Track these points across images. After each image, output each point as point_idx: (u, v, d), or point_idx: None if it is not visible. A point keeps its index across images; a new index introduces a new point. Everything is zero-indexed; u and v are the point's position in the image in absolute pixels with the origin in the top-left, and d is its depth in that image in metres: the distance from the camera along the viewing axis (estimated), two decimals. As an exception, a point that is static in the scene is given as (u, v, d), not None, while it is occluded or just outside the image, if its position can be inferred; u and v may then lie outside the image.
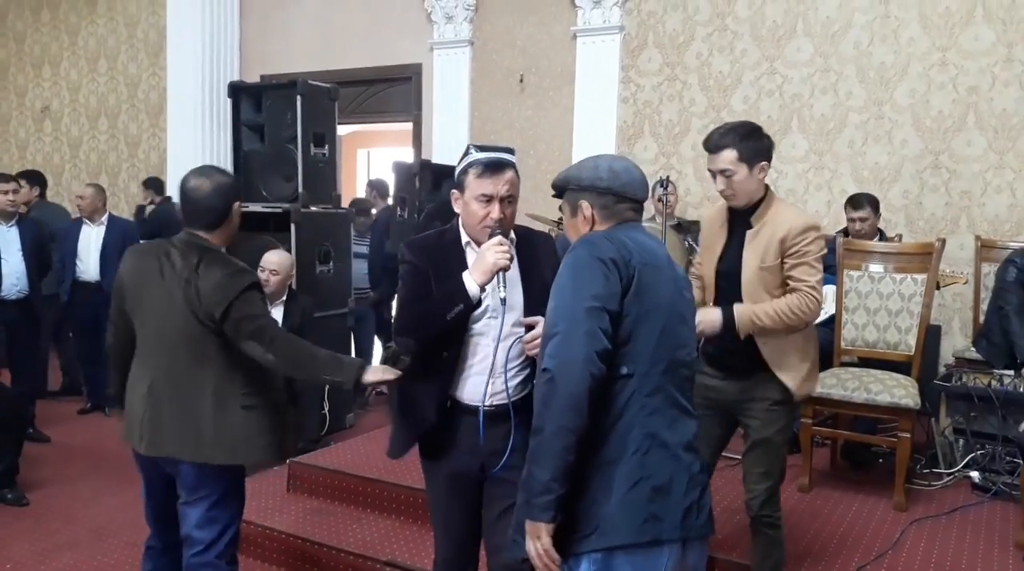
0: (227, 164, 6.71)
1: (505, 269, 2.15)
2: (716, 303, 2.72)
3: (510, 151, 2.29)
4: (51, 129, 8.68)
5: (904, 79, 5.17)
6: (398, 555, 3.31)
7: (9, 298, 4.86)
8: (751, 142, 2.57)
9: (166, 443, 2.41)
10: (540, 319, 2.21)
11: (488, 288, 2.22)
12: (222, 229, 2.50)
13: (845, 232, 4.50)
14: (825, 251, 2.63)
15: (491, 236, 2.18)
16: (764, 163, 2.58)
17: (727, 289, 2.67)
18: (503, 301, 2.14)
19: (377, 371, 2.41)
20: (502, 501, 2.34)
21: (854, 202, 4.42)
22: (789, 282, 2.57)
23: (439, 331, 2.22)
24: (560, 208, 2.03)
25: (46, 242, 5.18)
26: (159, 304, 2.42)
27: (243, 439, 2.43)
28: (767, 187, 2.64)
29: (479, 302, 2.18)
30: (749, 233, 2.61)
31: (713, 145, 2.58)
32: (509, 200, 2.21)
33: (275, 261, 4.39)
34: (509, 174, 2.21)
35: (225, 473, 2.45)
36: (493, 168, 2.19)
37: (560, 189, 2.00)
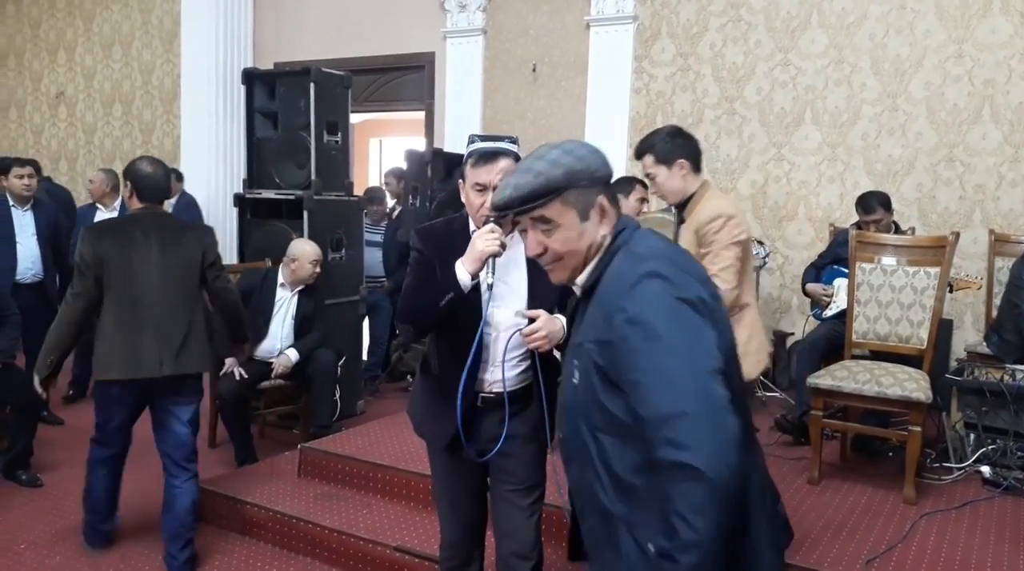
0: (240, 151, 6.75)
1: (495, 255, 2.15)
2: None
3: (513, 141, 2.29)
4: (66, 115, 8.72)
5: (919, 71, 5.13)
6: (407, 540, 3.33)
7: (24, 282, 4.90)
8: (664, 143, 2.78)
9: (186, 363, 3.20)
10: (542, 312, 2.22)
11: (490, 278, 2.23)
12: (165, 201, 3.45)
13: (858, 225, 4.48)
14: (742, 237, 2.70)
15: (485, 224, 2.20)
16: (683, 161, 2.76)
17: None
18: (490, 287, 2.16)
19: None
20: (505, 486, 2.37)
21: (865, 206, 4.35)
22: None
23: (433, 318, 2.25)
24: (542, 218, 1.57)
25: (61, 227, 5.22)
26: (155, 264, 3.18)
27: (210, 352, 3.37)
28: (704, 183, 2.81)
29: (476, 289, 2.19)
30: (683, 227, 2.82)
31: (635, 153, 2.83)
32: None
33: (315, 251, 4.45)
34: (503, 163, 2.20)
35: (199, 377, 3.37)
36: (487, 157, 2.21)
37: (554, 190, 1.55)
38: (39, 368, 3.30)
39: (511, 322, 2.26)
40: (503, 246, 2.17)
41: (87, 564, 3.39)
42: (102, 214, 5.57)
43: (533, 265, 2.31)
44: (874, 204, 4.34)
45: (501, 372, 2.25)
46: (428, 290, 2.26)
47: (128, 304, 3.14)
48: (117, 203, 5.62)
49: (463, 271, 2.18)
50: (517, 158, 2.24)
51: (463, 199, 2.31)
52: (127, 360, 3.13)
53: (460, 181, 2.31)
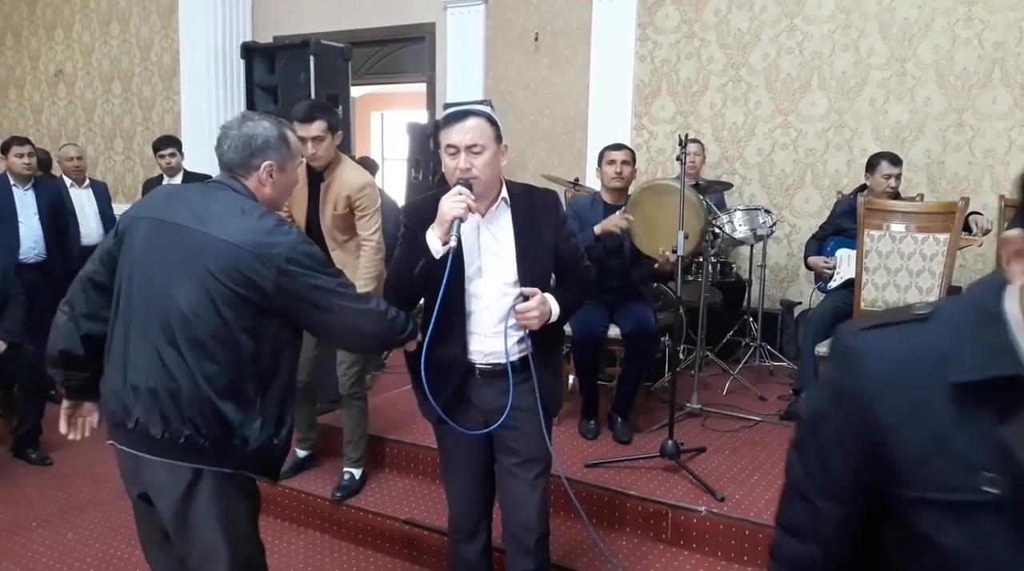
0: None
1: (459, 218, 2.10)
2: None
3: (488, 104, 2.28)
4: (65, 93, 8.66)
5: (928, 35, 5.05)
6: (416, 513, 3.35)
7: (27, 261, 4.89)
8: (333, 116, 3.35)
9: None
10: (537, 291, 2.22)
11: (476, 248, 2.23)
12: None
13: (862, 187, 4.45)
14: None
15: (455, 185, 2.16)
16: (340, 132, 3.37)
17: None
18: (452, 250, 2.10)
19: None
20: (509, 459, 2.36)
21: (892, 159, 4.27)
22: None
23: (410, 287, 2.23)
24: None
25: (62, 205, 5.20)
26: None
27: None
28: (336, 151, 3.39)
29: (449, 255, 2.10)
30: (322, 186, 3.33)
31: (306, 116, 3.21)
32: (474, 149, 2.15)
33: None
34: (471, 122, 2.16)
35: None
36: (455, 118, 2.18)
37: None
38: None
39: (499, 293, 2.24)
40: (470, 209, 2.12)
41: (99, 540, 3.41)
42: (75, 190, 5.54)
43: (521, 235, 2.27)
44: (899, 158, 4.28)
45: (504, 343, 2.23)
46: (404, 259, 2.25)
47: None
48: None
49: (432, 236, 2.15)
50: (489, 118, 2.20)
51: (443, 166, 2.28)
52: None
53: (440, 153, 2.28)
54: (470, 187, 2.15)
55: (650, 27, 5.84)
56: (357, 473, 3.60)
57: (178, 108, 7.70)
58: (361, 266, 3.39)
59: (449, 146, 2.18)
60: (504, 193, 2.28)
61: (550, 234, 2.31)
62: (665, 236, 3.61)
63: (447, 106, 2.30)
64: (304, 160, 3.27)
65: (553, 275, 2.39)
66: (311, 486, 3.62)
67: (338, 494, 3.50)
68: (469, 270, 2.25)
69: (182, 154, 5.73)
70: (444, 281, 2.10)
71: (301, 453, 3.80)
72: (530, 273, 2.26)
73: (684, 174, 3.71)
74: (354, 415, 3.59)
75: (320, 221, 3.36)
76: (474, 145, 2.15)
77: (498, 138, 2.22)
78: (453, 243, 2.10)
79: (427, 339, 2.15)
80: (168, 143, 5.70)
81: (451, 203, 2.10)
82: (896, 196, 4.26)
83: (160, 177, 5.80)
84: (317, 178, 3.37)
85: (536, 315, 2.20)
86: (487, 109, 2.23)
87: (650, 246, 3.71)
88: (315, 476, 3.71)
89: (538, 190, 2.41)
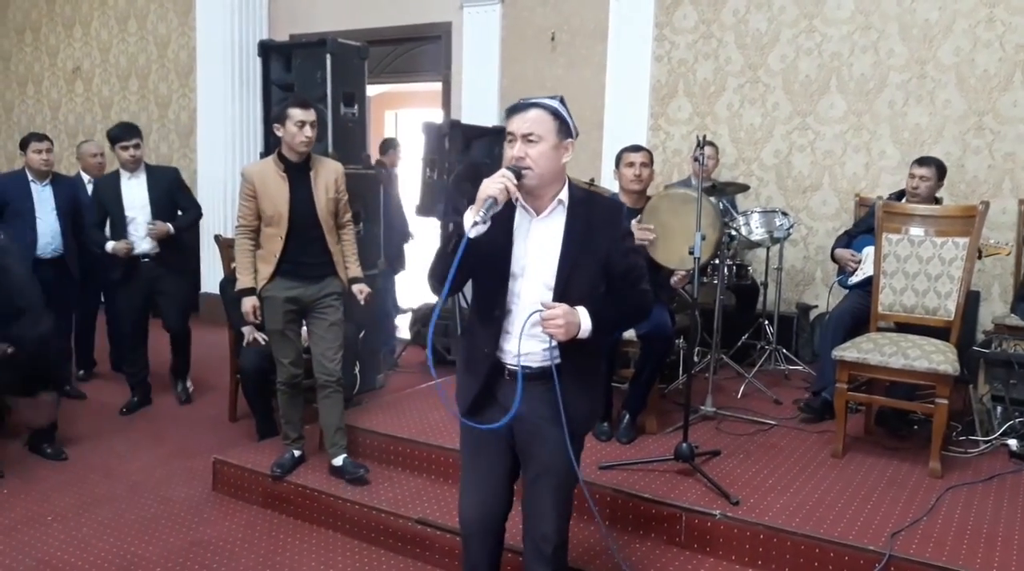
0: (257, 123, 6.70)
1: (493, 198, 2.06)
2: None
3: (559, 100, 2.23)
4: (83, 89, 8.71)
5: (949, 37, 5.00)
6: (429, 513, 3.34)
7: (44, 257, 4.91)
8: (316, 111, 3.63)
9: None
10: (562, 305, 2.14)
11: (524, 247, 2.20)
12: None
13: (900, 194, 4.39)
14: None
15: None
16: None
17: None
18: (472, 227, 2.06)
19: None
20: (533, 469, 2.32)
21: (922, 159, 4.25)
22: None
23: (445, 266, 2.14)
24: None
25: (79, 201, 5.21)
26: None
27: None
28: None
29: (473, 234, 2.07)
30: (311, 174, 3.62)
31: (305, 103, 3.56)
32: (530, 137, 2.14)
33: None
34: (532, 112, 2.16)
35: None
36: (519, 108, 2.20)
37: None
38: None
39: (537, 296, 2.20)
40: (508, 192, 2.08)
41: (113, 535, 3.42)
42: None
43: (570, 242, 2.21)
44: (928, 159, 4.23)
45: (518, 345, 2.20)
46: (445, 239, 2.24)
47: None
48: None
49: (468, 215, 2.11)
50: (553, 111, 2.17)
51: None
52: None
53: None
54: (519, 176, 2.12)
55: (667, 27, 5.81)
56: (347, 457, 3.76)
57: (194, 105, 7.73)
58: (352, 247, 3.83)
59: (508, 134, 2.19)
60: (563, 194, 2.23)
61: (605, 246, 2.24)
62: (681, 245, 3.60)
63: (520, 101, 2.29)
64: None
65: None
66: (324, 484, 3.61)
67: (361, 471, 3.65)
68: (515, 267, 2.22)
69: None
70: (456, 259, 2.05)
71: (297, 453, 3.83)
72: (567, 282, 2.20)
73: (701, 176, 3.67)
74: (340, 401, 3.75)
75: (315, 208, 3.61)
76: (531, 134, 2.14)
77: (562, 132, 2.18)
78: (478, 219, 2.05)
79: (447, 284, 2.09)
80: (131, 133, 4.93)
81: (490, 182, 2.09)
82: (929, 200, 4.20)
83: (116, 174, 4.94)
84: (299, 170, 3.61)
85: (561, 324, 2.12)
86: (554, 103, 2.20)
87: (665, 256, 3.71)
88: (328, 474, 3.71)
89: (602, 199, 2.37)
